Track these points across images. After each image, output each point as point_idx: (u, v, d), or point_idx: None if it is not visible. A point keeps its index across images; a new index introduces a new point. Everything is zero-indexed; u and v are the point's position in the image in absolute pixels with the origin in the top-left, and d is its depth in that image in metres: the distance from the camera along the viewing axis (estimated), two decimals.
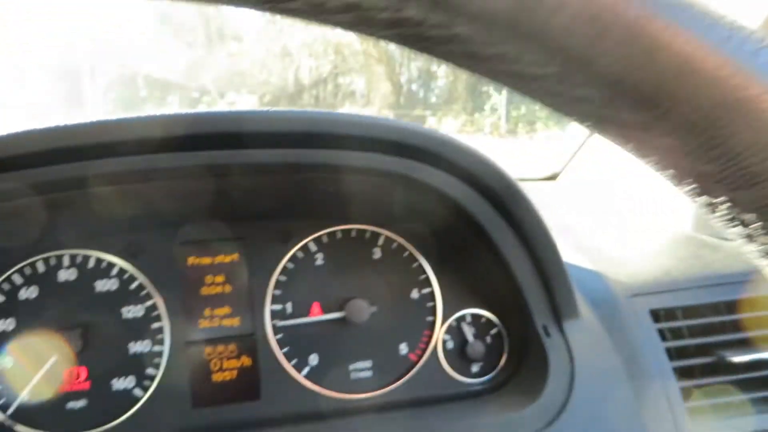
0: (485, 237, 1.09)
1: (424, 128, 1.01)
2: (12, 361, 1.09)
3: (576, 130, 1.98)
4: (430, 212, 1.13)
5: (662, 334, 1.14)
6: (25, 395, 1.07)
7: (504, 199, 1.04)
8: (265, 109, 0.94)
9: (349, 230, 1.22)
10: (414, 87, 15.85)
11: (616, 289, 1.20)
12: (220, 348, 1.17)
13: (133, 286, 1.14)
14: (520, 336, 1.20)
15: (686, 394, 1.09)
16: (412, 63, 15.24)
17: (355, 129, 0.97)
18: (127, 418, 1.11)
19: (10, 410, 1.07)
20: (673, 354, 1.12)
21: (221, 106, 13.81)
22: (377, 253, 1.23)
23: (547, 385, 1.08)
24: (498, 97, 13.39)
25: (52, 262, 1.12)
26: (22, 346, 1.09)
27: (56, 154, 0.92)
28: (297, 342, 1.18)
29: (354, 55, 15.08)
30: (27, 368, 1.08)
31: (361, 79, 15.17)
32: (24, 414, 1.08)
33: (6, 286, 1.10)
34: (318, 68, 14.70)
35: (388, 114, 13.62)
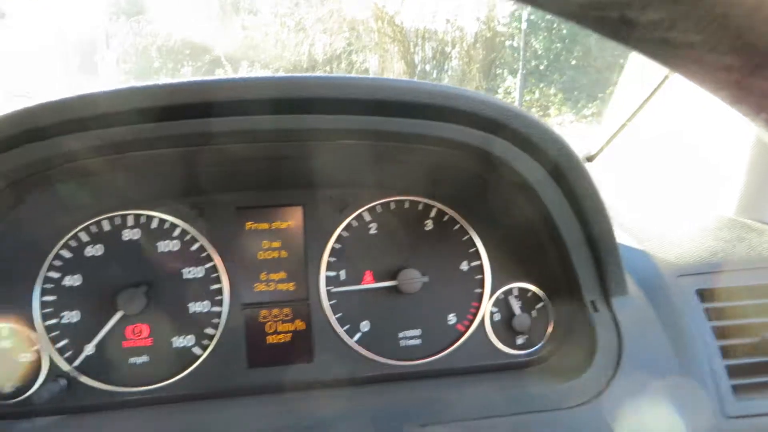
0: (544, 211, 1.11)
1: (501, 101, 1.02)
2: (78, 315, 1.12)
3: (611, 114, 1.99)
4: (492, 185, 1.15)
5: (708, 314, 1.16)
6: (90, 349, 1.11)
7: (568, 175, 1.05)
8: (346, 75, 0.96)
9: (403, 201, 1.25)
10: (428, 67, 15.78)
11: (663, 269, 1.22)
12: (275, 311, 1.20)
13: (194, 247, 1.17)
14: (566, 310, 1.22)
15: (731, 372, 1.11)
16: (426, 43, 15.16)
17: (436, 99, 0.98)
18: (186, 375, 1.15)
19: (77, 362, 1.11)
20: (719, 333, 1.15)
21: None
22: (429, 225, 1.25)
23: (595, 358, 1.11)
24: (513, 80, 13.34)
25: (117, 221, 1.15)
26: (88, 302, 1.13)
27: (129, 115, 0.94)
28: (349, 308, 1.21)
29: (368, 33, 14.99)
30: (92, 323, 1.12)
31: (374, 57, 15.11)
32: (89, 366, 1.12)
33: (73, 243, 1.13)
34: (332, 44, 14.64)
35: None
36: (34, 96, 0.92)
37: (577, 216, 1.10)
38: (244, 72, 13.71)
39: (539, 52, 13.36)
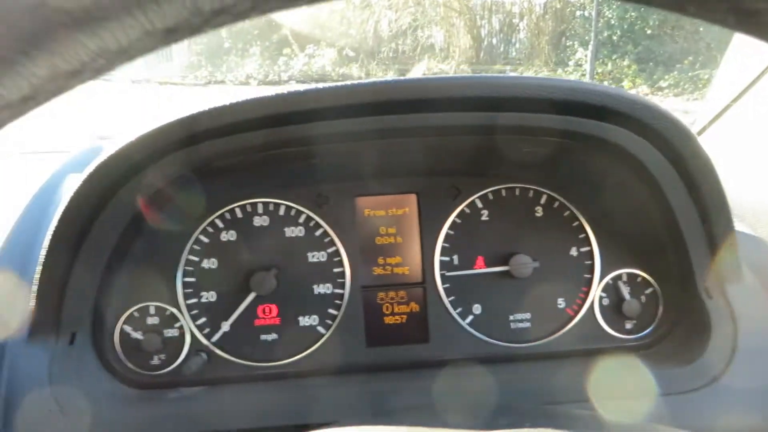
0: (660, 198, 1.12)
1: (607, 87, 1.04)
2: (215, 295, 1.22)
3: (715, 89, 1.92)
4: (604, 171, 1.17)
5: None
6: (226, 326, 1.22)
7: (687, 159, 1.06)
8: (467, 75, 1.00)
9: (514, 188, 1.28)
10: (494, 41, 15.47)
11: None
12: (392, 293, 1.27)
13: (318, 233, 1.25)
14: (678, 296, 1.23)
15: None
16: (493, 16, 14.86)
17: (546, 92, 1.02)
18: (311, 353, 1.23)
19: (214, 338, 1.21)
20: None
21: (301, 58, 13.86)
22: (539, 211, 1.28)
23: (710, 345, 1.12)
24: (584, 52, 12.90)
25: (248, 209, 1.24)
26: (224, 283, 1.23)
27: (270, 119, 1.02)
28: (462, 292, 1.27)
29: (434, 7, 14.82)
30: (228, 303, 1.22)
31: (440, 32, 14.95)
32: (225, 342, 1.22)
33: (210, 229, 1.23)
34: (398, 20, 14.58)
35: (466, 69, 13.39)
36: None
37: (695, 203, 1.11)
38: (311, 51, 13.86)
39: (612, 22, 12.84)
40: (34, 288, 1.04)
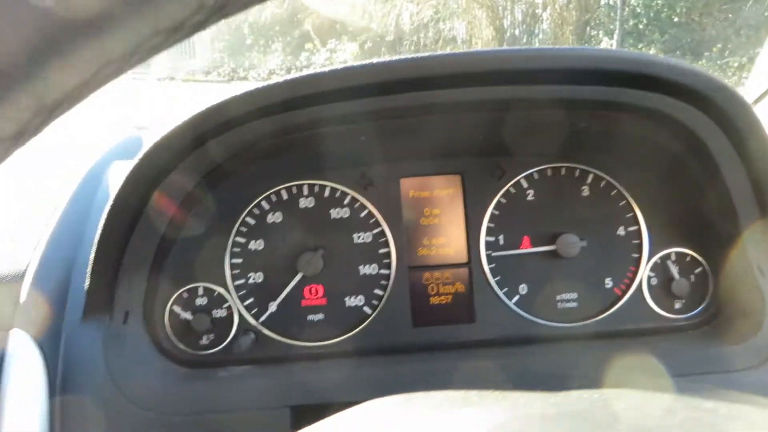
0: (712, 172, 1.10)
1: (665, 58, 1.02)
2: (262, 276, 1.24)
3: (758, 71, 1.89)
4: (655, 147, 1.15)
5: None
6: (273, 306, 1.23)
7: (744, 132, 1.04)
8: (515, 48, 0.99)
9: (559, 168, 1.27)
10: (517, 32, 15.32)
11: None
12: (437, 274, 1.27)
13: (363, 214, 1.25)
14: (729, 275, 1.21)
15: None
16: (515, 6, 14.71)
17: (600, 63, 1.00)
18: (357, 333, 1.24)
19: (262, 318, 1.23)
20: None
21: (323, 53, 13.90)
22: (586, 191, 1.27)
23: (764, 324, 1.10)
24: (609, 41, 12.73)
25: (294, 191, 1.25)
26: (270, 264, 1.24)
27: (308, 98, 1.03)
28: (508, 272, 1.26)
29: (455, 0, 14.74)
30: (274, 283, 1.23)
31: (462, 24, 14.85)
32: (272, 322, 1.23)
33: (256, 211, 1.24)
34: (419, 13, 14.52)
35: None
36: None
37: (750, 177, 1.08)
38: (332, 45, 13.89)
39: (638, 10, 12.62)
40: (89, 269, 1.06)
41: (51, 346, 1.06)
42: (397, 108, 1.07)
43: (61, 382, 1.04)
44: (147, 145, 1.02)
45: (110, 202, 1.03)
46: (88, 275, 1.07)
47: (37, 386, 1.00)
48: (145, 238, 1.12)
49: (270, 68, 13.36)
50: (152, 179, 1.06)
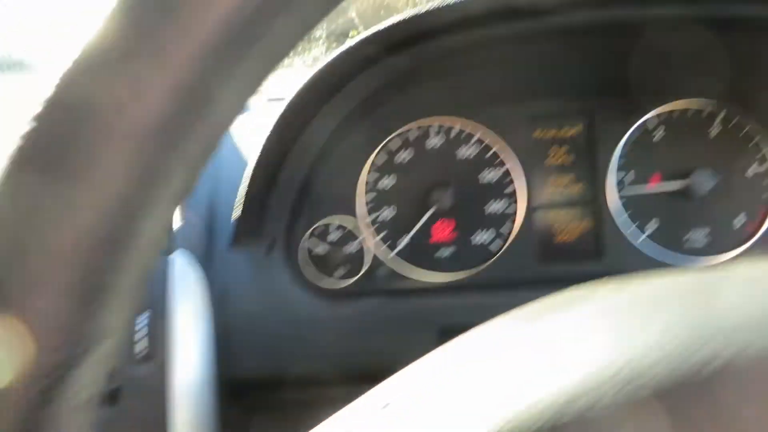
0: None
1: None
2: (394, 211, 1.27)
3: None
4: None
5: None
6: (405, 240, 1.26)
7: None
8: None
9: (690, 105, 1.26)
10: None
11: None
12: (563, 212, 1.28)
13: (489, 153, 1.27)
14: None
15: None
16: None
17: None
18: (485, 268, 1.26)
19: (396, 250, 1.26)
20: None
21: None
22: (715, 130, 1.26)
23: None
24: None
25: (422, 130, 1.28)
26: (402, 200, 1.27)
27: (444, 25, 1.05)
28: (637, 209, 1.26)
29: None
30: (406, 219, 1.26)
31: None
32: (404, 257, 1.26)
33: (387, 149, 1.27)
34: None
35: None
36: None
37: None
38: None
39: None
40: (241, 199, 1.12)
41: (207, 269, 1.11)
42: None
43: (217, 304, 1.09)
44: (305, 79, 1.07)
45: (267, 134, 1.08)
46: (239, 204, 1.12)
47: (202, 303, 1.05)
48: (293, 172, 1.16)
49: (314, 55, 13.44)
50: (309, 113, 1.11)
